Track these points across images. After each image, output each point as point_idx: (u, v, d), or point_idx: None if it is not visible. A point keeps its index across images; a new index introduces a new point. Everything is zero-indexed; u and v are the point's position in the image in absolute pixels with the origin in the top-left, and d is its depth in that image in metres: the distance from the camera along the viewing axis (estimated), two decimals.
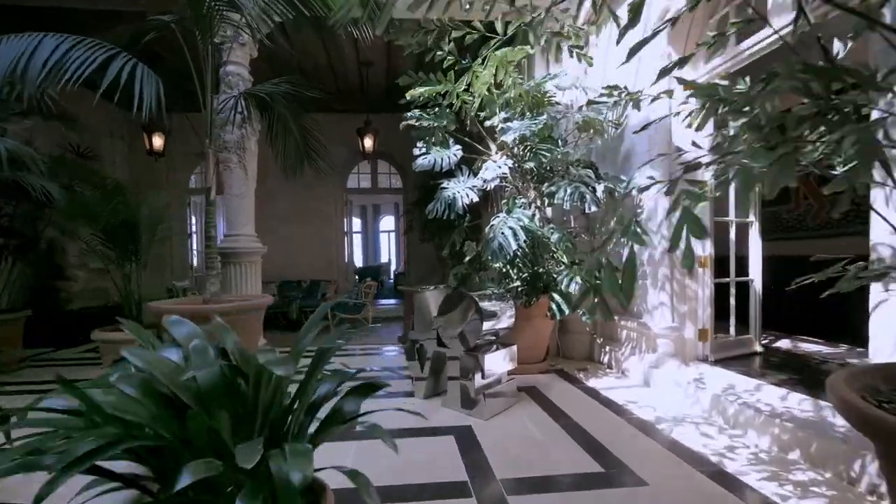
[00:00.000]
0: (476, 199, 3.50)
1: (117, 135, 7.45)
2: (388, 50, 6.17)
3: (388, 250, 17.82)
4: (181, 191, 8.24)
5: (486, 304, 3.10)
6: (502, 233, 3.14)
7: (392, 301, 10.05)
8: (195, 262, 8.70)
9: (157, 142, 6.51)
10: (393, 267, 16.32)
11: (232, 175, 4.35)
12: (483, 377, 2.91)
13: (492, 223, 3.46)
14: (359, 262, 16.16)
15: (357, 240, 17.04)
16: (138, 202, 3.57)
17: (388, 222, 17.68)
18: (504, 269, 3.88)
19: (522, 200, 3.37)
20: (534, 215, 3.20)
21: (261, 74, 4.61)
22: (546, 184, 3.41)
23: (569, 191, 3.22)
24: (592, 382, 3.68)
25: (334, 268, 8.60)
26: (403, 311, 5.35)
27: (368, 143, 6.95)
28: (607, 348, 4.22)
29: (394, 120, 7.84)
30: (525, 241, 3.15)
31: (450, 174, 3.88)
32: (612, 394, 3.37)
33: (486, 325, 3.02)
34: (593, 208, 3.18)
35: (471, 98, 3.64)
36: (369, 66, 6.67)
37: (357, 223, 17.20)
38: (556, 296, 3.50)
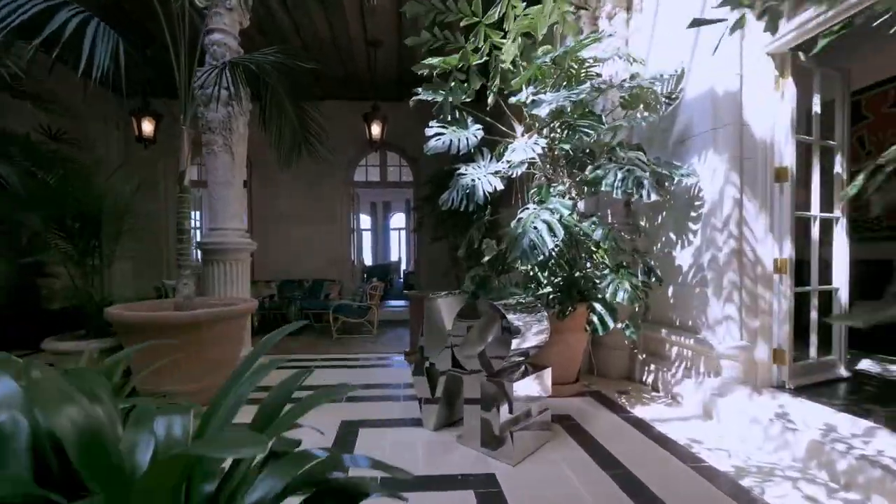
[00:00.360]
0: (501, 186, 2.88)
1: (111, 121, 6.97)
2: (398, 22, 5.55)
3: (398, 249, 17.26)
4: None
5: (512, 317, 2.48)
6: (534, 227, 2.52)
7: (401, 303, 9.47)
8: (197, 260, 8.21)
9: (147, 127, 6.00)
10: (403, 266, 15.75)
11: (217, 160, 3.79)
12: (511, 410, 2.29)
13: (519, 216, 2.83)
14: (367, 260, 15.63)
15: (366, 238, 16.51)
16: (101, 189, 3.02)
17: (398, 219, 17.11)
18: (532, 273, 3.26)
19: (560, 187, 2.74)
20: (574, 206, 2.58)
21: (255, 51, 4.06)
22: (590, 167, 2.77)
23: (619, 175, 2.57)
24: (639, 411, 3.03)
25: (339, 267, 8.03)
26: (410, 319, 4.75)
27: (376, 130, 6.36)
28: (652, 367, 3.56)
29: (405, 109, 7.13)
30: (563, 239, 2.52)
31: (468, 159, 3.26)
32: (667, 428, 2.73)
33: (514, 343, 2.40)
34: (653, 197, 2.54)
35: (503, 42, 2.97)
36: (378, 46, 6.07)
37: (367, 220, 16.67)
38: (597, 306, 2.86)
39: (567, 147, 3.08)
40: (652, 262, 3.25)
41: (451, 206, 2.93)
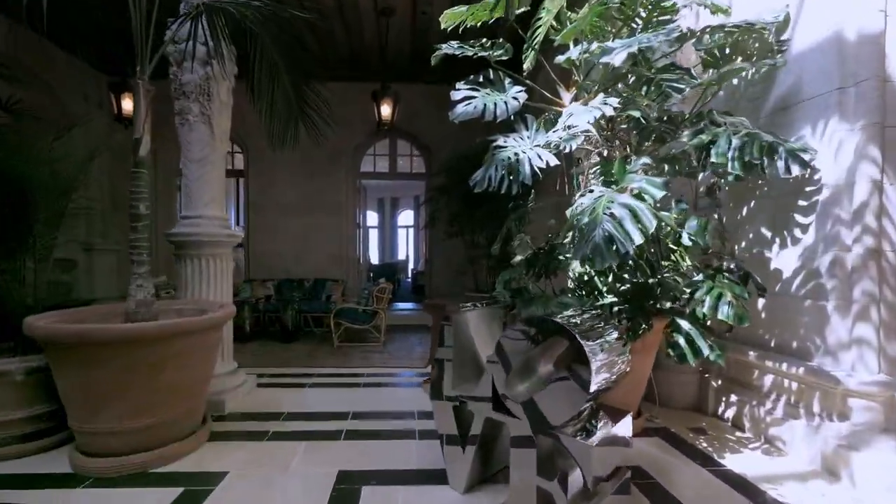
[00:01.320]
0: (555, 161, 2.15)
1: (94, 100, 6.32)
2: None
3: (406, 247, 16.56)
4: (169, 172, 7.09)
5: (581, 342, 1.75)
6: (610, 214, 1.78)
7: (409, 305, 8.75)
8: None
9: (127, 105, 5.33)
10: (411, 265, 15.05)
11: (191, 132, 3.09)
12: (587, 482, 1.56)
13: (580, 202, 2.09)
14: (374, 259, 14.94)
15: (373, 235, 15.83)
16: (34, 159, 2.32)
17: (406, 217, 16.41)
18: (587, 278, 2.52)
19: (644, 161, 1.99)
20: (667, 185, 1.83)
21: None
22: (686, 133, 2.03)
23: (735, 142, 1.83)
24: (731, 462, 2.29)
25: (343, 265, 7.32)
26: (432, 335, 4.03)
27: (386, 110, 5.63)
28: (733, 398, 2.81)
29: (418, 91, 6.39)
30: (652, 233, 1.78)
31: (508, 129, 2.54)
32: (783, 494, 1.98)
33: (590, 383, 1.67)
34: (794, 170, 1.80)
35: None
36: (389, 15, 5.35)
37: (374, 217, 16.00)
38: (683, 323, 2.12)
39: (637, 114, 2.34)
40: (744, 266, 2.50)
41: (488, 185, 2.20)
